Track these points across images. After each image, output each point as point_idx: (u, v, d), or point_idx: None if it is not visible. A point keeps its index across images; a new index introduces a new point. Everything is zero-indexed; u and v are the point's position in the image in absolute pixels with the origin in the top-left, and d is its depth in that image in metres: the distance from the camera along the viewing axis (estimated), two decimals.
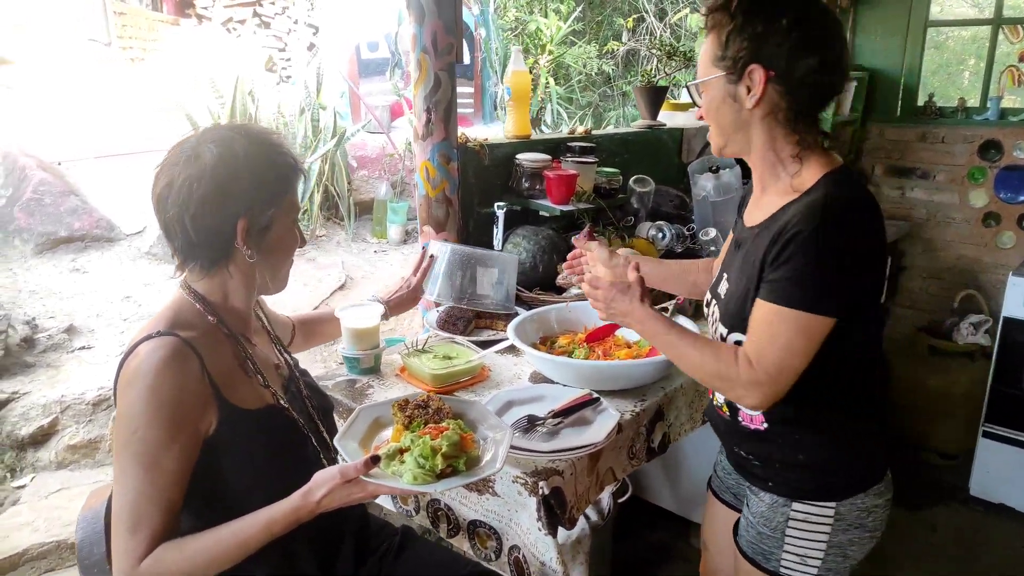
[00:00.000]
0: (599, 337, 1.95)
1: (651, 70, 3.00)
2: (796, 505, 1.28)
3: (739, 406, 1.28)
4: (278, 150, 1.17)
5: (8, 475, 2.52)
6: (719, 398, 1.36)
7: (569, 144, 2.48)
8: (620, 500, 2.28)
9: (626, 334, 2.00)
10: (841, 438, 1.27)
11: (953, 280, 3.65)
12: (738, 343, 1.21)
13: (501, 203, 2.28)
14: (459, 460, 1.16)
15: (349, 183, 4.52)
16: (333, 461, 1.28)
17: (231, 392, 1.13)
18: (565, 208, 2.28)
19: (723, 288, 1.33)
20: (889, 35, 3.57)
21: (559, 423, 1.52)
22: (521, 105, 2.45)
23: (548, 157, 2.37)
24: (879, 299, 1.27)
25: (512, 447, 1.36)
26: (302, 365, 1.42)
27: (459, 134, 2.29)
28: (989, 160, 3.38)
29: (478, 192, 2.33)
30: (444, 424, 1.23)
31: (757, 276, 1.17)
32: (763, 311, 1.14)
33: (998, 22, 3.34)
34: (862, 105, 3.66)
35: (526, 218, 2.42)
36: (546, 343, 1.95)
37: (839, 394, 1.23)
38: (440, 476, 1.13)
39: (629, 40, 7.57)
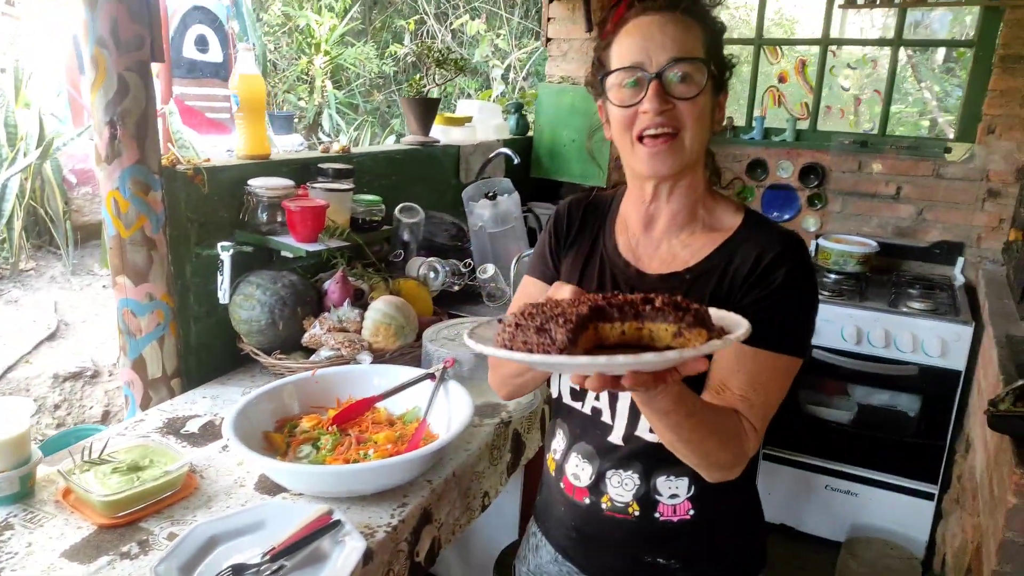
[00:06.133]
0: (353, 415, 1.56)
1: (420, 79, 2.64)
2: None
3: (658, 498, 1.03)
4: None
5: None
6: (620, 497, 1.05)
7: (321, 167, 2.04)
8: None
9: (388, 406, 1.62)
10: (756, 511, 1.14)
11: None
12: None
13: (227, 243, 1.79)
14: None
15: (66, 203, 3.68)
16: None
17: None
18: (312, 247, 1.84)
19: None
20: None
21: (280, 568, 1.10)
22: (254, 117, 1.97)
23: (290, 183, 1.91)
24: None
25: None
26: None
27: (167, 154, 1.77)
28: (756, 179, 3.45)
29: (197, 228, 1.81)
30: None
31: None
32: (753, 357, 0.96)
33: (759, 43, 3.42)
34: None
35: (266, 260, 1.95)
36: (284, 429, 1.51)
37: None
38: None
39: (412, 43, 7.24)
